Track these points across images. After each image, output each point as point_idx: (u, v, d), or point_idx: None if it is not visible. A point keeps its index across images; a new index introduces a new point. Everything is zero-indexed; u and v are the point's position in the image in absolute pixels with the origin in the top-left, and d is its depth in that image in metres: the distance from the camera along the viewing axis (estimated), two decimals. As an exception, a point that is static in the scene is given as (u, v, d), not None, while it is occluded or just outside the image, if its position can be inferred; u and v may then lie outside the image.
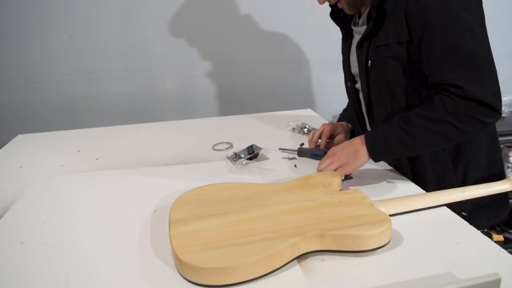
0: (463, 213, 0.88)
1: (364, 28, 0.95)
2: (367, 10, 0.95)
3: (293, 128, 1.30)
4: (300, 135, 1.25)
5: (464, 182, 0.94)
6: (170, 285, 0.59)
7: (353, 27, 1.04)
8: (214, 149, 1.16)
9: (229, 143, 1.19)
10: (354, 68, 1.04)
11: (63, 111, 1.93)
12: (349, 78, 1.09)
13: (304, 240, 0.62)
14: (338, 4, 0.96)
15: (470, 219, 0.75)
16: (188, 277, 0.59)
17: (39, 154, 1.19)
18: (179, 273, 0.61)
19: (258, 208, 0.71)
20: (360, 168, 0.98)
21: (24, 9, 1.77)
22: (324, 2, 0.96)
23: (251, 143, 1.11)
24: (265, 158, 1.07)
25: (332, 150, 0.90)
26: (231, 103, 2.07)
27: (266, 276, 0.59)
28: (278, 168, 1.00)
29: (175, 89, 2.01)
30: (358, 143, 0.86)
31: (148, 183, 0.95)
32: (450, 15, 0.79)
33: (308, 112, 1.53)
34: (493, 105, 0.78)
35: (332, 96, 2.14)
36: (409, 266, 0.61)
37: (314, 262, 0.63)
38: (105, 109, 1.96)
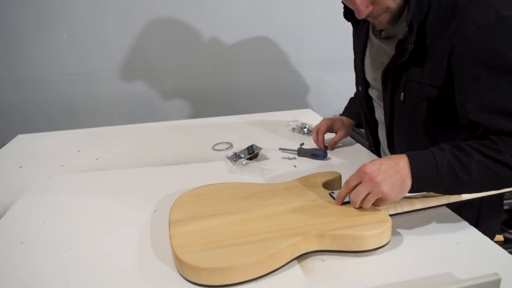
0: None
1: (388, 42, 0.88)
2: (398, 29, 0.85)
3: (293, 128, 1.30)
4: (300, 135, 1.25)
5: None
6: (170, 285, 0.59)
7: (371, 34, 0.96)
8: (214, 149, 1.16)
9: (229, 143, 1.19)
10: (371, 78, 0.99)
11: (63, 111, 1.93)
12: (361, 83, 1.03)
13: (304, 240, 0.62)
14: (376, 19, 0.82)
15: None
16: (188, 277, 0.59)
17: (39, 154, 1.19)
18: (179, 273, 0.61)
19: (258, 208, 0.71)
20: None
21: (24, 9, 1.77)
22: (365, 15, 0.80)
23: (251, 143, 1.11)
24: (265, 158, 1.07)
25: (368, 173, 0.67)
26: (231, 103, 2.07)
27: (266, 276, 0.59)
28: (278, 168, 1.00)
29: (175, 89, 2.01)
30: (405, 169, 0.67)
31: (148, 183, 0.95)
32: (507, 65, 0.70)
33: (308, 112, 1.53)
34: None
35: (332, 96, 2.14)
36: (409, 266, 0.61)
37: (314, 262, 0.63)
38: (105, 109, 1.96)
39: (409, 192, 0.68)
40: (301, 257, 0.64)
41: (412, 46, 0.79)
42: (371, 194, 0.67)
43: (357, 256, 0.64)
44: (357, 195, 0.68)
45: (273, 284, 0.59)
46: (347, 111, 1.19)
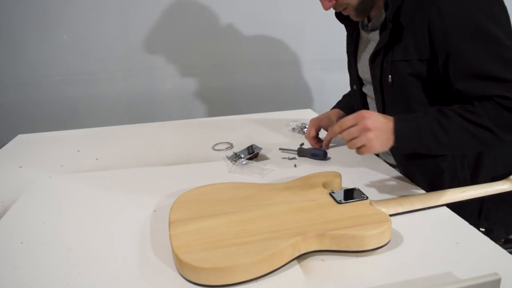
0: (481, 229, 0.82)
1: (374, 34, 0.91)
2: (382, 18, 0.89)
3: (293, 128, 1.30)
4: (300, 135, 1.25)
5: (482, 200, 0.88)
6: (170, 285, 0.59)
7: (361, 29, 1.00)
8: (214, 149, 1.16)
9: (229, 143, 1.19)
10: (363, 73, 1.01)
11: (63, 111, 1.93)
12: (355, 81, 1.05)
13: (304, 240, 0.62)
14: (343, 11, 0.92)
15: (488, 233, 0.74)
16: (188, 277, 0.59)
17: (39, 154, 1.19)
18: (179, 273, 0.61)
19: (258, 208, 0.71)
20: (360, 169, 0.98)
21: (24, 9, 1.77)
22: (330, 8, 0.91)
23: (251, 143, 1.11)
24: (265, 158, 1.07)
25: (365, 119, 0.76)
26: (231, 103, 2.07)
27: (266, 276, 0.59)
28: (278, 168, 1.00)
29: (175, 89, 2.01)
30: (390, 129, 0.77)
31: (148, 183, 0.95)
32: (480, 32, 0.75)
33: (308, 112, 1.53)
34: None
35: (332, 96, 2.14)
36: (409, 266, 0.61)
37: (314, 262, 0.63)
38: (105, 109, 1.96)
39: (392, 148, 0.78)
40: (301, 257, 0.64)
41: (391, 25, 0.82)
42: (359, 138, 0.76)
43: (357, 256, 0.64)
44: (349, 135, 0.77)
45: (273, 284, 0.59)
46: (338, 104, 1.21)
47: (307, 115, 1.46)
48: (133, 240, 0.71)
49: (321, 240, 0.63)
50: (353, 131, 0.77)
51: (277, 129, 1.32)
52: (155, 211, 0.81)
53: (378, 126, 0.76)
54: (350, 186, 0.78)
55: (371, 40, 0.95)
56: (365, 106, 1.06)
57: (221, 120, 1.47)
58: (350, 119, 0.78)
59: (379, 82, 0.90)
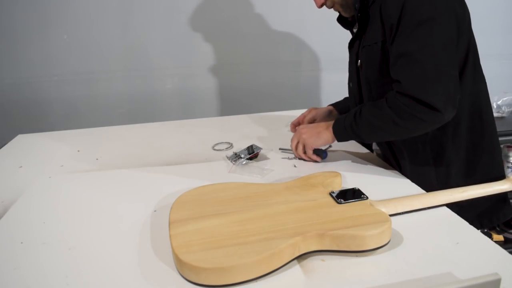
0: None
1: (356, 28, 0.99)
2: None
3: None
4: (300, 135, 1.25)
5: (446, 182, 0.92)
6: (170, 285, 0.59)
7: (353, 29, 1.07)
8: (214, 149, 1.16)
9: (229, 143, 1.19)
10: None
11: (63, 111, 1.93)
12: (354, 79, 1.08)
13: (304, 240, 0.62)
14: (333, 9, 1.01)
15: None
16: (188, 277, 0.59)
17: (39, 154, 1.19)
18: (179, 273, 0.61)
19: (258, 208, 0.71)
20: (360, 169, 0.98)
21: (24, 9, 1.77)
22: (322, 6, 1.01)
23: (251, 143, 1.11)
24: (265, 158, 1.07)
25: (299, 129, 1.02)
26: (231, 103, 2.07)
27: (266, 276, 0.59)
28: (278, 168, 1.00)
29: (175, 89, 2.01)
30: (323, 126, 0.98)
31: (148, 183, 0.95)
32: (410, 16, 0.81)
33: (308, 112, 1.53)
34: (434, 105, 0.77)
35: (332, 96, 2.14)
36: (409, 266, 0.61)
37: (314, 262, 0.63)
38: (105, 109, 1.96)
39: (331, 140, 0.97)
40: (301, 257, 0.64)
41: (359, 14, 0.92)
42: (299, 142, 1.01)
43: (357, 256, 0.64)
44: (292, 144, 1.04)
45: (273, 284, 0.59)
46: (335, 105, 1.27)
47: (307, 115, 1.46)
48: (133, 240, 0.71)
49: (321, 240, 0.63)
50: (293, 139, 1.03)
51: (277, 129, 1.32)
52: (155, 211, 0.81)
53: (309, 127, 1.02)
54: (350, 186, 0.78)
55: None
56: (362, 101, 1.08)
57: (221, 120, 1.47)
58: (293, 137, 1.04)
59: (355, 66, 0.99)
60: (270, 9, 1.94)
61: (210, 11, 1.90)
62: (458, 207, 0.78)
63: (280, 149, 1.12)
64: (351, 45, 1.10)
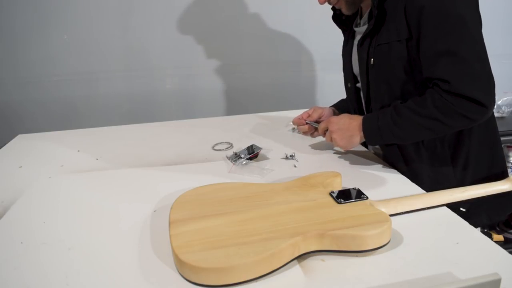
0: (461, 209, 0.89)
1: (365, 27, 0.96)
2: (369, 9, 0.98)
3: (293, 128, 1.30)
4: (300, 135, 1.25)
5: (463, 180, 0.94)
6: (170, 285, 0.59)
7: (355, 28, 1.06)
8: (214, 149, 1.16)
9: (229, 143, 1.19)
10: (356, 68, 1.05)
11: (63, 111, 1.93)
12: (350, 79, 1.10)
13: (304, 240, 0.62)
14: (336, 5, 1.00)
15: (469, 216, 0.76)
16: (188, 277, 0.59)
17: (39, 154, 1.19)
18: (179, 273, 0.61)
19: (258, 208, 0.71)
20: (360, 169, 0.98)
21: (24, 9, 1.77)
22: (325, 2, 0.99)
23: (251, 143, 1.11)
24: (265, 158, 1.07)
25: (331, 124, 0.97)
26: (231, 103, 2.07)
27: (266, 276, 0.59)
28: (278, 168, 1.00)
29: (175, 89, 2.01)
30: (355, 129, 0.93)
31: (148, 183, 0.95)
32: (445, 14, 0.81)
33: (308, 112, 1.53)
34: (482, 102, 0.78)
35: (332, 96, 2.14)
36: (409, 266, 0.61)
37: (314, 262, 0.63)
38: (105, 109, 1.96)
39: (362, 143, 0.98)
40: (301, 257, 0.64)
41: (377, 11, 0.89)
42: (330, 139, 0.99)
43: (357, 256, 0.64)
44: (326, 138, 1.01)
45: (273, 284, 0.59)
46: (335, 105, 1.26)
47: (307, 115, 1.46)
48: (133, 240, 0.71)
49: (321, 240, 0.63)
50: (327, 135, 1.00)
51: (277, 129, 1.32)
52: (155, 211, 0.81)
53: (340, 128, 0.95)
54: (350, 186, 0.78)
55: (361, 33, 1.00)
56: (359, 102, 1.11)
57: (221, 120, 1.47)
58: (323, 123, 1.02)
59: (365, 66, 0.97)
60: (270, 9, 1.94)
61: (210, 11, 1.90)
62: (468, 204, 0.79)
63: (307, 122, 1.15)
64: (345, 43, 1.12)
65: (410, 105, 0.86)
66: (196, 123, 1.45)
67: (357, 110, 1.12)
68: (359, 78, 1.06)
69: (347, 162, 1.02)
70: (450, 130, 0.88)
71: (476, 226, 0.74)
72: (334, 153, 1.09)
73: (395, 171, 0.96)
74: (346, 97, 1.19)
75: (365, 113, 1.05)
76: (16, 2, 1.75)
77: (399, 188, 0.87)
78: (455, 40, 0.80)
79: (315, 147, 1.14)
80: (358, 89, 1.10)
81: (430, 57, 0.84)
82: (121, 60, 1.91)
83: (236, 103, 2.07)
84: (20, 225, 0.78)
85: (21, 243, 0.71)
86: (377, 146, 1.05)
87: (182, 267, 0.59)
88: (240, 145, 1.13)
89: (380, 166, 0.99)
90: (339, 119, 0.96)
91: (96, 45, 1.86)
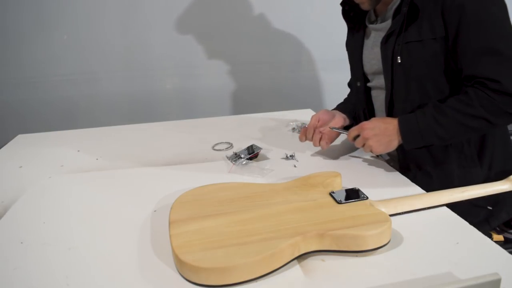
0: (488, 207, 0.91)
1: (385, 24, 0.94)
2: (392, 6, 0.95)
3: (293, 128, 1.30)
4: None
5: (488, 179, 0.93)
6: (170, 285, 0.59)
7: (370, 25, 1.03)
8: (214, 149, 1.16)
9: (229, 143, 1.19)
10: (370, 67, 1.03)
11: (63, 111, 1.93)
12: (360, 78, 1.08)
13: (304, 240, 0.62)
14: (357, 0, 0.95)
15: (492, 214, 0.80)
16: (188, 277, 0.59)
17: (39, 154, 1.19)
18: (179, 273, 0.61)
19: (258, 208, 0.71)
20: (360, 169, 0.98)
21: (25, 9, 1.77)
22: None
23: (251, 143, 1.11)
24: (265, 158, 1.07)
25: (364, 131, 0.89)
26: (231, 103, 2.07)
27: (266, 276, 0.59)
28: (278, 168, 1.00)
29: (175, 89, 2.01)
30: (393, 133, 0.88)
31: (148, 183, 0.95)
32: (485, 12, 0.81)
33: (308, 112, 1.53)
34: None
35: (332, 96, 2.14)
36: (409, 266, 0.61)
37: (314, 262, 0.63)
38: (105, 109, 1.96)
39: (400, 148, 0.90)
40: (301, 257, 0.64)
41: (406, 8, 0.86)
42: (365, 146, 0.90)
43: (357, 256, 0.64)
44: (357, 144, 0.93)
45: (273, 284, 0.59)
46: (340, 108, 1.18)
47: (307, 115, 1.46)
48: (133, 240, 0.71)
49: (321, 240, 0.63)
50: (359, 141, 0.92)
51: (277, 129, 1.32)
52: (155, 211, 0.81)
53: (377, 133, 0.88)
54: (350, 186, 0.78)
55: (381, 30, 0.98)
56: (368, 103, 1.08)
57: (221, 120, 1.47)
58: (354, 130, 0.93)
59: (391, 63, 0.93)
60: (270, 9, 1.94)
61: (210, 11, 1.90)
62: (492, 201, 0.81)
63: (330, 127, 1.04)
64: (353, 41, 1.08)
65: (454, 105, 0.84)
66: (196, 123, 1.45)
67: (366, 111, 1.09)
68: (371, 78, 1.04)
69: (347, 162, 1.02)
70: (493, 128, 0.87)
71: (498, 223, 0.74)
72: (334, 153, 1.09)
73: (395, 171, 0.96)
74: (354, 97, 1.15)
75: (386, 114, 1.00)
76: (16, 2, 1.75)
77: (399, 188, 0.87)
78: (497, 38, 0.80)
79: (315, 147, 1.14)
80: (368, 89, 1.07)
81: (472, 56, 0.82)
82: (121, 60, 1.91)
83: (236, 103, 2.07)
84: (20, 225, 0.78)
85: (21, 243, 0.71)
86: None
87: (182, 267, 0.59)
88: (240, 145, 1.13)
89: (380, 166, 0.99)
90: (373, 124, 0.90)
91: (96, 45, 1.86)
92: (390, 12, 0.95)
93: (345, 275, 0.60)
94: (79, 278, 0.61)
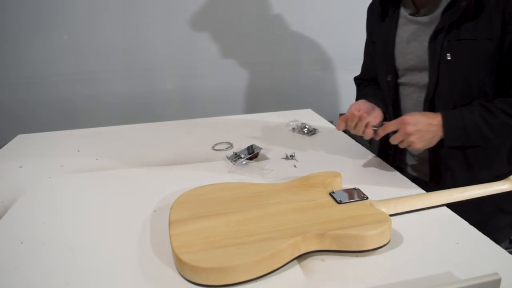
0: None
1: (428, 18, 0.90)
2: (443, 2, 0.89)
3: (293, 128, 1.30)
4: (300, 135, 1.25)
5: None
6: (170, 285, 0.59)
7: (409, 16, 0.96)
8: (214, 149, 1.16)
9: (229, 143, 1.19)
10: (405, 62, 0.98)
11: (63, 111, 1.93)
12: (392, 72, 1.01)
13: (304, 240, 0.62)
14: None
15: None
16: (188, 277, 0.59)
17: (39, 154, 1.19)
18: (179, 273, 0.61)
19: (258, 208, 0.71)
20: (360, 169, 0.98)
21: (25, 9, 1.77)
22: None
23: (251, 143, 1.11)
24: (265, 158, 1.07)
25: (405, 125, 0.83)
26: (231, 103, 2.07)
27: (266, 276, 0.59)
28: (278, 168, 1.00)
29: (175, 89, 2.01)
30: (437, 128, 0.83)
31: (148, 183, 0.95)
32: None
33: (308, 112, 1.53)
34: None
35: (332, 96, 2.15)
36: (409, 266, 0.61)
37: (314, 262, 0.63)
38: (105, 109, 1.96)
39: (441, 146, 0.84)
40: (301, 257, 0.64)
41: (466, 2, 0.82)
42: (403, 142, 0.83)
43: (357, 256, 0.64)
44: (393, 140, 0.85)
45: (273, 284, 0.59)
46: (369, 101, 1.04)
47: (307, 115, 1.46)
48: (133, 240, 0.71)
49: (321, 240, 0.63)
50: (397, 137, 0.84)
51: (277, 129, 1.32)
52: (155, 211, 0.81)
53: (420, 129, 0.82)
54: (350, 186, 0.78)
55: (423, 24, 0.93)
56: (397, 99, 1.03)
57: (221, 120, 1.47)
58: (392, 124, 0.85)
59: (438, 60, 0.89)
60: (270, 9, 1.94)
61: (210, 11, 1.90)
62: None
63: (373, 126, 0.93)
64: (384, 33, 1.01)
65: (502, 106, 0.82)
66: (196, 123, 1.45)
67: (392, 107, 1.03)
68: (400, 73, 0.99)
69: (347, 162, 1.02)
70: None
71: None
72: (334, 153, 1.09)
73: (395, 171, 0.96)
74: (384, 92, 1.05)
75: (423, 110, 0.95)
76: (16, 2, 1.75)
77: (399, 188, 0.87)
78: None
79: (315, 147, 1.14)
80: (397, 85, 1.02)
81: None
82: (121, 60, 1.91)
83: (236, 103, 2.07)
84: (20, 225, 0.78)
85: (21, 243, 0.71)
86: (421, 150, 0.98)
87: (182, 267, 0.59)
88: (240, 145, 1.13)
89: (380, 166, 0.99)
90: (416, 119, 0.84)
91: (96, 45, 1.86)
92: (440, 6, 0.90)
93: (345, 275, 0.60)
94: (79, 278, 0.61)
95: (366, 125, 0.90)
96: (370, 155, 1.06)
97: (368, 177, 0.93)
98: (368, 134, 0.91)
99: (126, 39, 1.88)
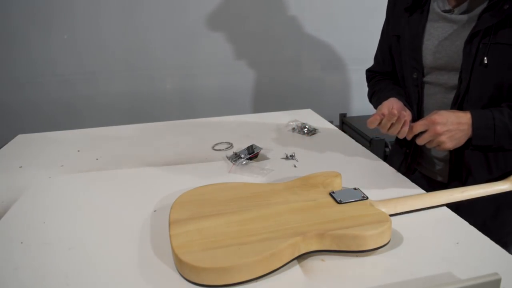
0: None
1: (465, 17, 0.88)
2: (483, 2, 0.86)
3: (293, 128, 1.30)
4: (300, 135, 1.25)
5: None
6: (170, 285, 0.59)
7: (443, 13, 0.93)
8: (214, 149, 1.16)
9: (229, 143, 1.19)
10: (434, 60, 0.94)
11: (63, 111, 1.93)
12: (420, 69, 0.97)
13: (304, 240, 0.62)
14: None
15: None
16: (188, 277, 0.59)
17: (39, 154, 1.19)
18: (179, 273, 0.61)
19: (258, 208, 0.71)
20: (360, 169, 0.98)
21: (24, 9, 1.77)
22: None
23: (251, 143, 1.11)
24: (265, 158, 1.07)
25: (435, 125, 0.81)
26: (231, 103, 2.08)
27: (266, 276, 0.59)
28: (278, 168, 1.00)
29: (175, 89, 2.01)
30: (467, 127, 0.82)
31: (148, 183, 0.95)
32: None
33: (308, 112, 1.53)
34: None
35: (332, 96, 2.15)
36: (409, 266, 0.61)
37: (314, 262, 0.63)
38: (105, 109, 1.96)
39: (466, 146, 0.83)
40: (301, 257, 0.64)
41: (508, 6, 0.79)
42: (433, 142, 0.82)
43: (357, 256, 0.64)
44: (421, 141, 0.83)
45: (273, 284, 0.59)
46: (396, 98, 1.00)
47: (307, 115, 1.46)
48: (133, 240, 0.71)
49: (321, 240, 0.63)
50: (426, 137, 0.82)
51: (277, 129, 1.32)
52: (155, 211, 0.81)
53: (450, 129, 0.81)
54: (350, 186, 0.78)
55: (456, 22, 0.90)
56: (421, 98, 0.99)
57: (221, 120, 1.47)
58: (420, 125, 0.83)
59: (472, 63, 0.86)
60: (270, 9, 1.95)
61: (210, 11, 1.90)
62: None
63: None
64: (402, 26, 0.98)
65: None
66: (196, 123, 1.45)
67: (416, 106, 0.99)
68: (425, 71, 0.96)
69: (347, 162, 1.02)
70: None
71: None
72: (334, 153, 1.09)
73: (395, 171, 0.96)
74: (409, 90, 1.01)
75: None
76: (16, 2, 1.75)
77: (399, 188, 0.87)
78: None
79: (315, 147, 1.14)
80: (423, 83, 0.98)
81: None
82: (121, 60, 1.91)
83: (236, 103, 2.07)
84: (20, 225, 0.78)
85: (21, 243, 0.71)
86: (445, 152, 0.97)
87: (182, 267, 0.60)
88: (240, 145, 1.13)
89: (380, 166, 0.99)
90: (445, 118, 0.81)
91: (96, 45, 1.86)
92: (479, 6, 0.87)
93: (345, 275, 0.60)
94: (79, 278, 0.61)
95: (403, 124, 0.86)
96: (370, 155, 1.06)
97: (368, 177, 0.93)
98: (404, 133, 0.87)
99: (126, 39, 1.88)
